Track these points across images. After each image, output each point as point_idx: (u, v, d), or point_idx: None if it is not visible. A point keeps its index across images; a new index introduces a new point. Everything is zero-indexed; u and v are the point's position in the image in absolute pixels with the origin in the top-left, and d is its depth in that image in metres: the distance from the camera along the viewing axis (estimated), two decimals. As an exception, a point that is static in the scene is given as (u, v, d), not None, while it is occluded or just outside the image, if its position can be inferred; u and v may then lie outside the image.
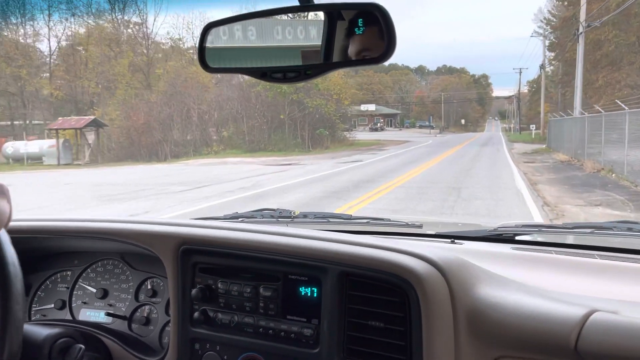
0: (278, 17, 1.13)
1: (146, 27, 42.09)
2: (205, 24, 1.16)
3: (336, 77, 36.64)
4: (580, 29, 25.30)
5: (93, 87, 39.73)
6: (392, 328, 1.12)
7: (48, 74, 41.72)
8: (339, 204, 10.55)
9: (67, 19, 40.38)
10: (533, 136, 46.63)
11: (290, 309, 1.24)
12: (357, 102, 68.29)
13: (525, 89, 78.82)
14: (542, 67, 51.75)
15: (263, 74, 1.10)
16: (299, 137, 35.81)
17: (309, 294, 1.22)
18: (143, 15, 41.34)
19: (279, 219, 2.11)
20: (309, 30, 1.11)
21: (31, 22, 38.91)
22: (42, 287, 1.67)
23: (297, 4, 1.07)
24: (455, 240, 1.75)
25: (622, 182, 13.93)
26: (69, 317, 1.61)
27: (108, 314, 1.54)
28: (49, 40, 42.00)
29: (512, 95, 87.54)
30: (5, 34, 37.63)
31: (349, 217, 2.22)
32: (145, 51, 41.90)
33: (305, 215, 2.19)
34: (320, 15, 1.07)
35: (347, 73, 42.14)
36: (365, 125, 78.91)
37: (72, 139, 31.59)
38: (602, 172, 16.25)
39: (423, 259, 1.14)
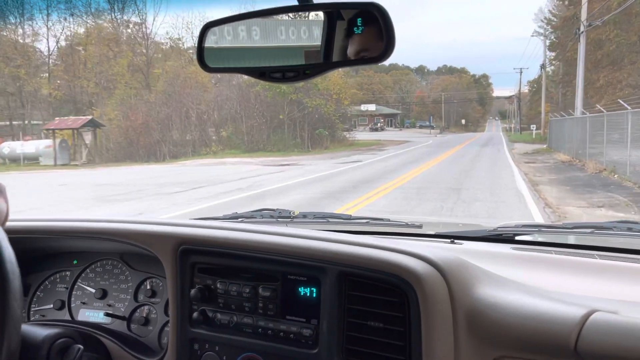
0: (277, 16, 1.13)
1: (145, 27, 42.16)
2: (204, 24, 1.16)
3: (336, 77, 36.60)
4: (581, 29, 25.23)
5: (92, 87, 39.69)
6: (392, 328, 1.12)
7: (47, 74, 41.73)
8: (337, 205, 10.52)
9: (66, 19, 40.51)
10: (534, 136, 46.54)
11: (290, 309, 1.23)
12: (358, 102, 68.33)
13: (525, 89, 78.76)
14: (542, 66, 51.80)
15: (262, 73, 1.11)
16: (298, 137, 35.77)
17: (308, 294, 1.22)
18: (142, 15, 41.44)
19: (279, 219, 2.11)
20: (308, 30, 1.11)
21: (30, 22, 38.98)
22: (41, 287, 1.67)
23: (296, 3, 1.07)
24: (455, 241, 1.75)
25: (624, 183, 13.86)
26: (67, 317, 1.61)
27: (107, 314, 1.54)
28: (47, 40, 42.12)
29: (513, 95, 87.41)
30: (4, 33, 37.68)
31: (349, 217, 2.22)
32: (144, 51, 41.90)
33: (304, 216, 2.19)
34: (320, 15, 1.07)
35: (347, 73, 42.17)
36: (365, 125, 78.88)
37: (70, 139, 31.50)
38: (604, 172, 16.17)
39: (422, 259, 1.14)
